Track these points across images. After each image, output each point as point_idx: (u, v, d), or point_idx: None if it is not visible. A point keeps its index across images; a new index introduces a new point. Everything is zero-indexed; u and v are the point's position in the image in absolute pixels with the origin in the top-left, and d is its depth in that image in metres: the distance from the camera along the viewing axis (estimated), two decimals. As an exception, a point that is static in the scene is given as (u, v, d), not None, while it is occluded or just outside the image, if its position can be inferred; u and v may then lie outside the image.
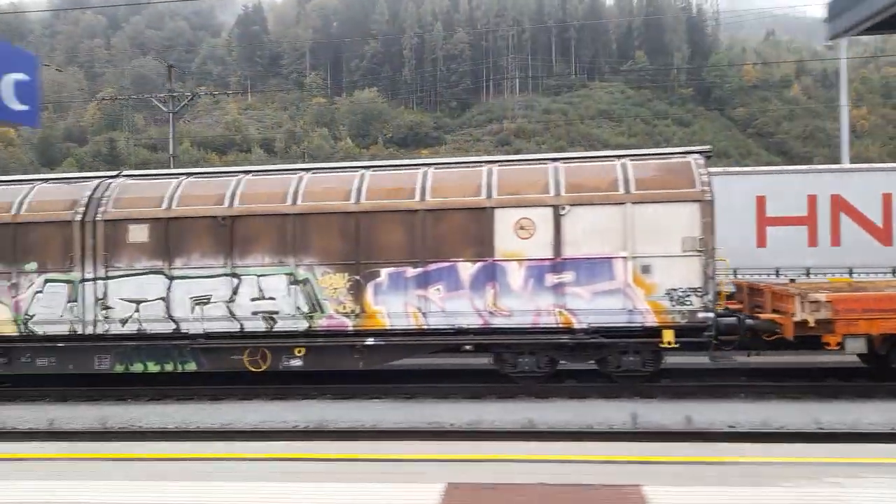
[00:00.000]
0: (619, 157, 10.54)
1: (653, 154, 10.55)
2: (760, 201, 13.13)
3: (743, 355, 10.72)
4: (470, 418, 8.80)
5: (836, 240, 12.93)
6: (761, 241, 13.14)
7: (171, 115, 31.82)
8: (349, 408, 9.85)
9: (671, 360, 10.53)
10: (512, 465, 5.37)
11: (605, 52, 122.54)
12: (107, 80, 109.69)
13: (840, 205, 12.92)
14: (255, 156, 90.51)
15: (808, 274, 12.92)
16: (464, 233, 10.18)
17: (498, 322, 10.06)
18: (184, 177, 11.40)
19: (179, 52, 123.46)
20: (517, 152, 78.09)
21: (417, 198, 10.35)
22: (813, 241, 13.01)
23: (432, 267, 10.22)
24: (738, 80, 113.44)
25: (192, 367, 10.88)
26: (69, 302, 10.79)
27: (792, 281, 12.35)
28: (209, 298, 10.61)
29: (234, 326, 10.59)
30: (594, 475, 4.81)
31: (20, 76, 3.92)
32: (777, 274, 12.97)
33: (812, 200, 13.00)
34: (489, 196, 10.17)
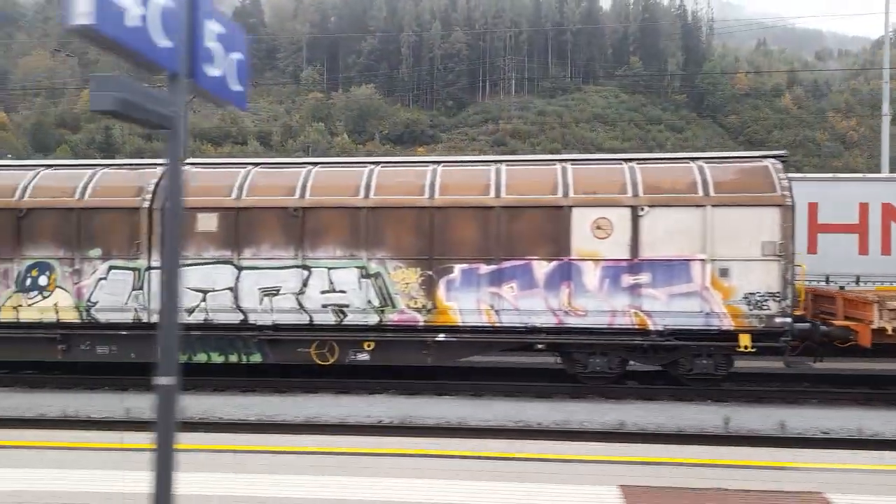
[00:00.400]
0: (692, 159, 10.59)
1: (728, 157, 10.62)
2: (812, 208, 13.26)
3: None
4: (557, 418, 8.79)
5: (886, 248, 13.09)
6: (812, 248, 13.26)
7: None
8: (422, 404, 9.79)
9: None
10: (660, 468, 5.35)
11: (600, 57, 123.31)
12: (100, 68, 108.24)
13: (891, 213, 13.08)
14: (252, 148, 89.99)
15: (857, 282, 13.07)
16: (539, 231, 10.17)
17: (572, 322, 10.07)
18: (251, 166, 11.27)
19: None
20: (513, 153, 78.27)
21: (492, 194, 10.32)
22: (864, 248, 13.15)
23: (506, 264, 10.20)
24: (731, 88, 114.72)
25: (256, 358, 10.77)
26: (134, 290, 10.63)
27: (842, 288, 12.47)
28: (278, 290, 10.50)
29: (303, 319, 10.49)
30: (763, 481, 4.81)
31: (239, 56, 3.85)
32: (827, 281, 13.11)
33: (864, 208, 13.15)
34: (566, 195, 10.17)
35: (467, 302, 10.26)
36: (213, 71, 3.49)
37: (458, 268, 10.30)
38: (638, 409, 9.31)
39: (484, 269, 10.25)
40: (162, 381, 3.26)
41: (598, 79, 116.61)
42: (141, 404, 9.49)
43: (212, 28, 3.44)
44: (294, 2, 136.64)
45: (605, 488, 4.59)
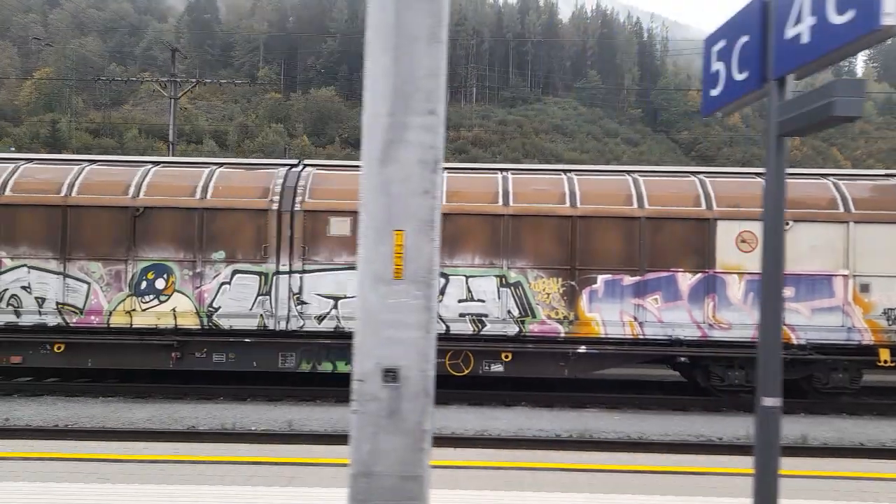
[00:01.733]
0: (824, 175, 10.82)
1: (861, 175, 10.89)
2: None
3: None
4: (733, 433, 8.77)
5: None
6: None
7: (172, 100, 30.18)
8: (572, 418, 9.59)
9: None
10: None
11: (559, 69, 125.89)
12: (43, 59, 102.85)
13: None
14: (208, 147, 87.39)
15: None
16: (683, 243, 10.17)
17: (717, 335, 10.10)
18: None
19: (122, 36, 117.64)
20: (473, 160, 78.76)
21: (635, 205, 10.27)
22: None
23: (650, 276, 10.16)
24: (684, 104, 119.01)
25: (385, 369, 10.31)
26: (260, 295, 10.03)
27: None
28: (414, 298, 10.10)
29: (439, 328, 10.14)
30: None
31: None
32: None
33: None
34: (709, 207, 10.21)
35: (610, 313, 10.16)
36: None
37: (601, 278, 10.18)
38: (794, 423, 9.41)
39: (628, 280, 10.16)
40: (767, 402, 3.04)
41: (556, 90, 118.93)
42: (297, 416, 8.97)
43: None
44: (251, 0, 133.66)
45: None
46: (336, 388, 10.56)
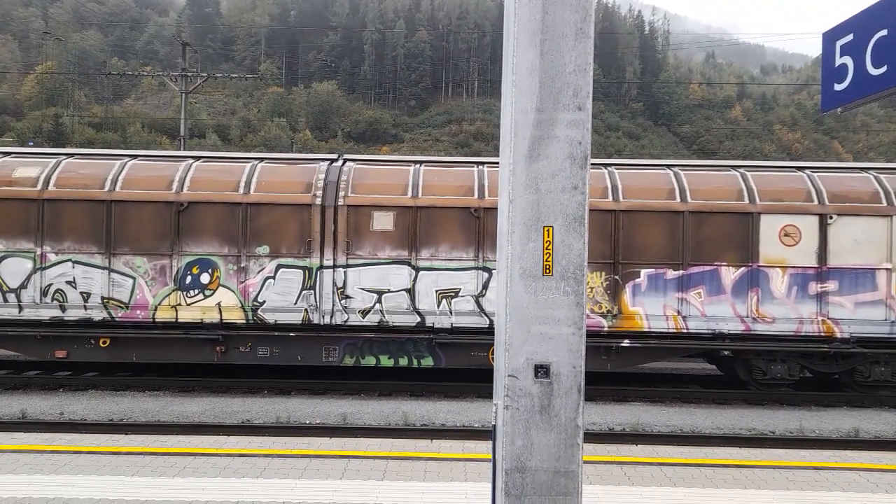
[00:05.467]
0: (865, 168, 10.83)
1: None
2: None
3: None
4: (784, 426, 8.81)
5: None
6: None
7: (183, 94, 30.18)
8: (620, 411, 9.62)
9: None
10: None
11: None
12: (44, 53, 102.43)
13: None
14: (210, 141, 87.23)
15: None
16: (727, 237, 10.18)
17: (761, 328, 10.12)
18: (418, 164, 10.83)
19: (123, 30, 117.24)
20: (476, 154, 78.64)
21: (678, 199, 10.27)
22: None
23: (694, 270, 10.17)
24: (685, 97, 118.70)
25: (428, 362, 10.36)
26: (304, 289, 10.04)
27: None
28: (457, 292, 10.13)
29: (482, 322, 10.16)
30: None
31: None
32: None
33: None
34: (752, 201, 10.22)
35: (653, 307, 10.17)
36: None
37: (644, 272, 10.19)
38: (842, 417, 9.45)
39: (671, 273, 10.18)
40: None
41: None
42: (349, 410, 8.99)
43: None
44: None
45: None
46: (381, 382, 10.59)
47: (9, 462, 5.70)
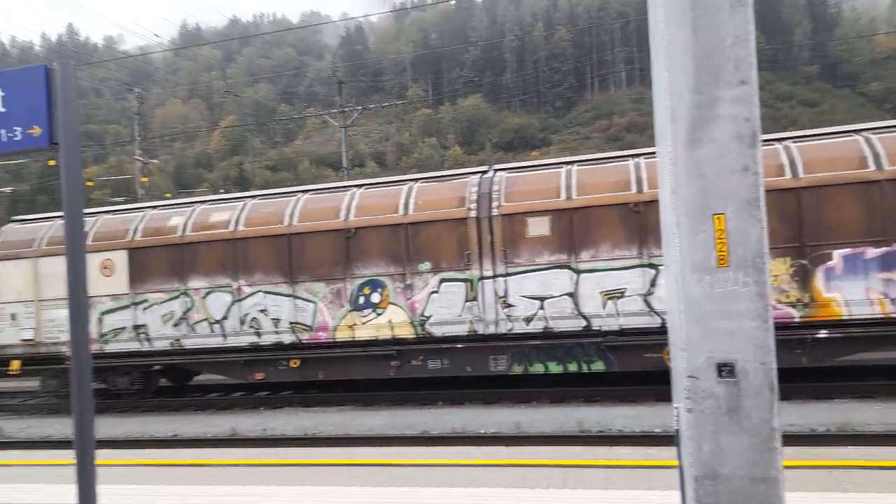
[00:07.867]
0: None
1: None
2: None
3: None
4: None
5: None
6: None
7: (343, 129, 32.08)
8: (823, 409, 8.64)
9: None
10: None
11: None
12: (225, 109, 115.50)
13: None
14: (370, 169, 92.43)
15: None
16: (939, 203, 8.79)
17: None
18: (569, 165, 10.65)
19: (288, 77, 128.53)
20: (630, 146, 75.30)
21: (872, 166, 9.06)
22: None
23: (899, 245, 8.89)
24: (870, 52, 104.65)
25: (599, 366, 10.06)
26: (467, 301, 10.25)
27: None
28: (623, 292, 9.75)
29: (653, 322, 9.67)
30: None
31: None
32: None
33: None
34: (969, 159, 8.74)
35: (853, 291, 9.05)
36: None
37: (837, 253, 9.11)
38: None
39: (871, 252, 8.99)
40: None
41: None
42: (522, 419, 9.01)
43: None
44: (396, 23, 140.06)
45: None
46: (551, 389, 10.48)
47: (222, 475, 6.37)
